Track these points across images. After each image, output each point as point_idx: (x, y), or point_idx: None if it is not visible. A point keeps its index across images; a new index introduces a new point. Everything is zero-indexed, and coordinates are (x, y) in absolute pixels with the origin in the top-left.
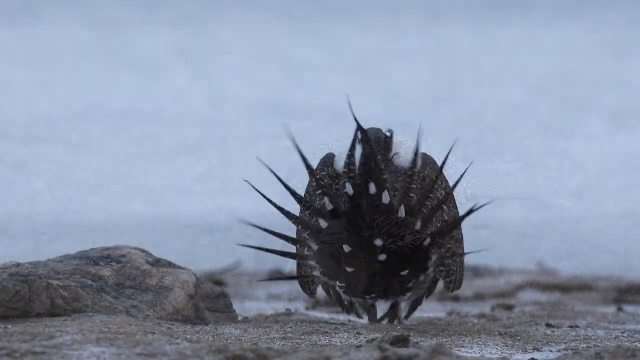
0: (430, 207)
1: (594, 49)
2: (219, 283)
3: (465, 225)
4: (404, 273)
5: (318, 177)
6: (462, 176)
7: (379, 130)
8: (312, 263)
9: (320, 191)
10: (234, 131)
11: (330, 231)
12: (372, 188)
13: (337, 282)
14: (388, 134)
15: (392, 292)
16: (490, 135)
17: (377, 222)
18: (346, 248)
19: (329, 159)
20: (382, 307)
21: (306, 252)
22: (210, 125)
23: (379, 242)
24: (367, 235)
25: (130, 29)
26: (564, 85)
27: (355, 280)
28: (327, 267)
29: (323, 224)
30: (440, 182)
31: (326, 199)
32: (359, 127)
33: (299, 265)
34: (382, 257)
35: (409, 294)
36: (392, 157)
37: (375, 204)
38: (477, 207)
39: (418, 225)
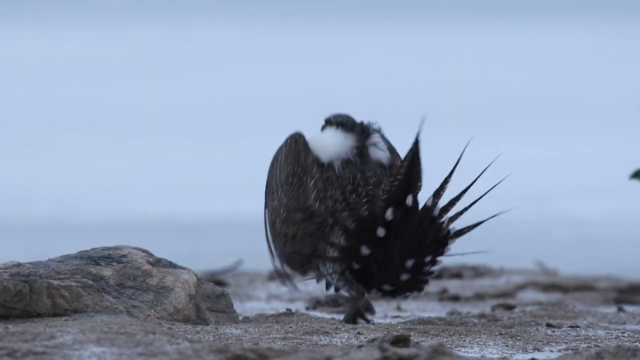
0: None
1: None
2: (220, 283)
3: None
4: (433, 269)
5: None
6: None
7: (350, 117)
8: (355, 265)
9: (385, 199)
10: (235, 132)
11: (388, 240)
12: (430, 201)
13: (385, 285)
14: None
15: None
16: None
17: (429, 234)
18: (404, 258)
19: (300, 138)
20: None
21: (345, 255)
22: (211, 126)
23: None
24: (420, 244)
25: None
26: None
27: (405, 285)
28: (370, 271)
29: (381, 231)
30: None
31: (389, 210)
32: (417, 139)
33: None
34: (428, 258)
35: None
36: (370, 145)
37: (429, 216)
38: (500, 213)
39: (451, 227)
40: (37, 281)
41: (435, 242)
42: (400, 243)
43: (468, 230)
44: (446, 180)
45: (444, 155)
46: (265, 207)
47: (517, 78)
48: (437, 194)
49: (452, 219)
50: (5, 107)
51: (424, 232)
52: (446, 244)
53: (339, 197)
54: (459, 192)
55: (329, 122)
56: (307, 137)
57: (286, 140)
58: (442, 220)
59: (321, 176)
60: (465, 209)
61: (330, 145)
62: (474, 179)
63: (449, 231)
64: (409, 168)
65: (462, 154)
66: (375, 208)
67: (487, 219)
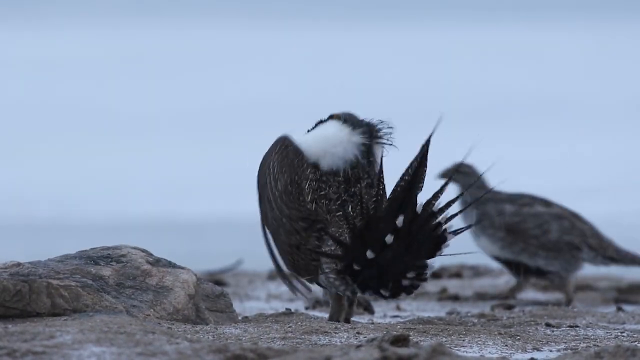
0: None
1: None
2: (219, 283)
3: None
4: (429, 271)
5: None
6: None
7: (356, 116)
8: (355, 267)
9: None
10: (234, 132)
11: (394, 245)
12: (432, 205)
13: (382, 290)
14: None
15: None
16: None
17: (431, 238)
18: (409, 264)
19: (290, 144)
20: None
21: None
22: (211, 126)
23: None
24: (422, 249)
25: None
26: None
27: (402, 289)
28: (371, 275)
29: (389, 238)
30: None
31: (401, 218)
32: (428, 141)
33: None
34: (428, 262)
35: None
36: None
37: (432, 220)
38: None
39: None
40: (37, 281)
41: (436, 246)
42: (405, 249)
43: (463, 231)
44: (446, 184)
45: (443, 155)
46: (262, 212)
47: (517, 78)
48: (436, 196)
49: (448, 219)
50: (6, 107)
51: (427, 236)
52: (441, 247)
53: (334, 197)
54: (456, 195)
55: (334, 116)
56: (306, 133)
57: (275, 146)
58: (442, 223)
59: (315, 176)
60: (461, 211)
61: (332, 139)
62: (471, 182)
63: (445, 236)
64: (417, 170)
65: (465, 156)
66: (383, 210)
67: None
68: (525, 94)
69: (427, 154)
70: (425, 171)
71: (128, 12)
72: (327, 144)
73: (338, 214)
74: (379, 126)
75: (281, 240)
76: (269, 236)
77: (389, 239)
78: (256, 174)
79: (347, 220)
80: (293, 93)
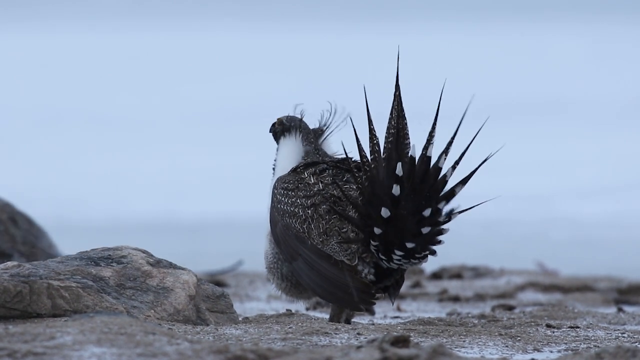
0: None
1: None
2: (220, 283)
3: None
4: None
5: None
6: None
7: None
8: (376, 231)
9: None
10: (235, 133)
11: (403, 196)
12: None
13: (408, 243)
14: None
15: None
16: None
17: (436, 183)
18: (421, 209)
19: (280, 177)
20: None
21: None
22: (211, 127)
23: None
24: (430, 193)
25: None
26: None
27: (424, 240)
28: (393, 232)
29: (396, 189)
30: None
31: (399, 165)
32: (397, 86)
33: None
34: (440, 205)
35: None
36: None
37: (432, 165)
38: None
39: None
40: (37, 282)
41: (441, 190)
42: (414, 195)
43: (470, 177)
44: (451, 141)
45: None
46: (290, 246)
47: (517, 78)
48: (430, 140)
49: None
50: (6, 107)
51: (431, 181)
52: (445, 186)
53: (332, 173)
54: (461, 154)
55: (277, 119)
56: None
57: (276, 186)
58: (443, 168)
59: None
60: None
61: (291, 154)
62: (483, 160)
63: (446, 177)
64: (398, 120)
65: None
66: (383, 165)
67: (483, 202)
68: (526, 94)
69: (401, 105)
70: (406, 122)
71: (127, 14)
72: (288, 161)
73: (345, 185)
74: (321, 124)
75: (314, 239)
76: (304, 265)
77: (396, 189)
78: (270, 214)
79: (356, 180)
80: (294, 94)
